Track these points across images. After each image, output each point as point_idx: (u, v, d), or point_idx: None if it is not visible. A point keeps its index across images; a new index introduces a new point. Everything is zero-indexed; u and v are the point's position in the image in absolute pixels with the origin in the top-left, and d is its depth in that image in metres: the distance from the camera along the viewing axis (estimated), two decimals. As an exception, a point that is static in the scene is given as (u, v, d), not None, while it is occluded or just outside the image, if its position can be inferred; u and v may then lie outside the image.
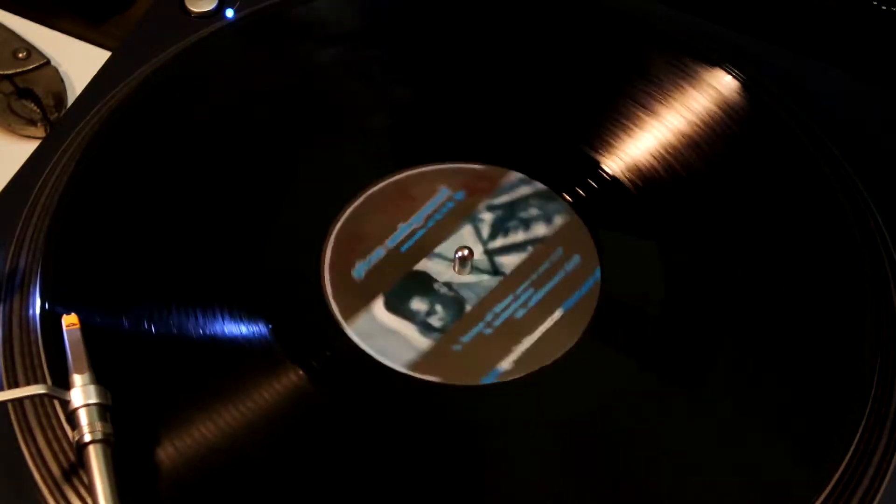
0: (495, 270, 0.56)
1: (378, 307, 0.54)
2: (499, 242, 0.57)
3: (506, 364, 0.53)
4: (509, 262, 0.56)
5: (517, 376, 0.52)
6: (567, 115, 0.61)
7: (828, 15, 0.67)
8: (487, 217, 0.57)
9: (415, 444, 0.50)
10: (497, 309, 0.54)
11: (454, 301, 0.55)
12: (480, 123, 0.61)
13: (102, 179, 0.56)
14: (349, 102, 0.61)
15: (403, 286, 0.55)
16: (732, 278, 0.55)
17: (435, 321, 0.54)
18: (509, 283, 0.55)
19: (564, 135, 0.60)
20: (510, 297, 0.55)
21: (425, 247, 0.56)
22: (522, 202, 0.58)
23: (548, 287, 0.55)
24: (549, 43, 0.64)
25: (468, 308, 0.54)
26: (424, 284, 0.55)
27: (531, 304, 0.55)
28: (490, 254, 0.56)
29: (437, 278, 0.55)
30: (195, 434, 0.49)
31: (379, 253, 0.56)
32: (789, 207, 0.58)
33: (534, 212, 0.57)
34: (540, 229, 0.57)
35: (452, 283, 0.55)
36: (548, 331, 0.54)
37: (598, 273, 0.55)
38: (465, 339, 0.53)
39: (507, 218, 0.57)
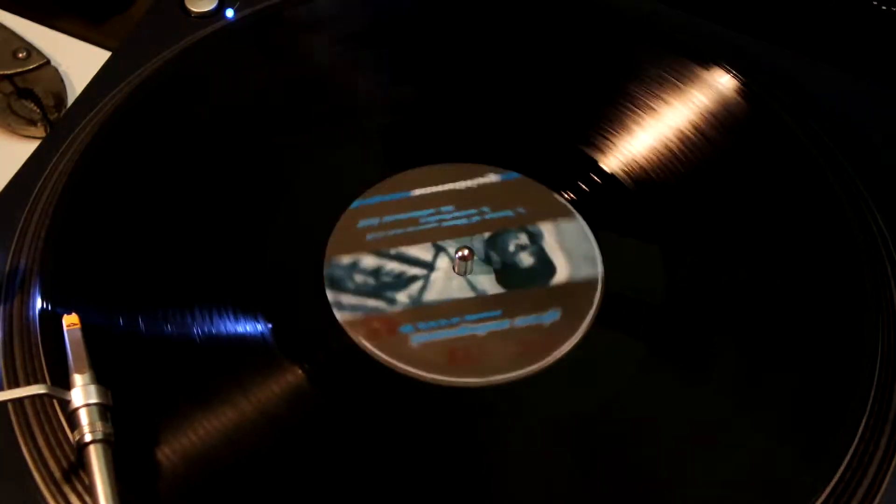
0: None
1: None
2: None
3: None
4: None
5: (517, 376, 0.52)
6: (567, 114, 0.61)
7: (828, 15, 0.67)
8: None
9: (414, 443, 0.50)
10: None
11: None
12: (480, 123, 0.61)
13: (102, 179, 0.56)
14: (349, 102, 0.61)
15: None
16: (732, 278, 0.55)
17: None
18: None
19: (564, 134, 0.60)
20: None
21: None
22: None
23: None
24: (549, 43, 0.64)
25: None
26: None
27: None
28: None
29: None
30: (195, 434, 0.49)
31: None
32: (789, 207, 0.58)
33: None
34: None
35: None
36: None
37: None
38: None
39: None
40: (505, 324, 0.54)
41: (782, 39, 0.65)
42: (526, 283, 0.56)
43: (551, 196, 0.58)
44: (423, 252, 0.56)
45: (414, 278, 0.55)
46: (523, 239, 0.57)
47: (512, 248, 0.57)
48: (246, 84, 0.61)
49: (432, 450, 0.50)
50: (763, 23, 0.67)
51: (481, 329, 0.54)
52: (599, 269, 0.56)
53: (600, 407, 0.51)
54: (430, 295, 0.55)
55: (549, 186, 0.58)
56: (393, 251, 0.56)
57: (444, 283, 0.55)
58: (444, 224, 0.57)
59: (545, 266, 0.56)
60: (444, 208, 0.57)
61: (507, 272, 0.56)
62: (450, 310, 0.54)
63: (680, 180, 0.58)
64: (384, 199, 0.57)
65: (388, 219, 0.57)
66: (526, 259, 0.56)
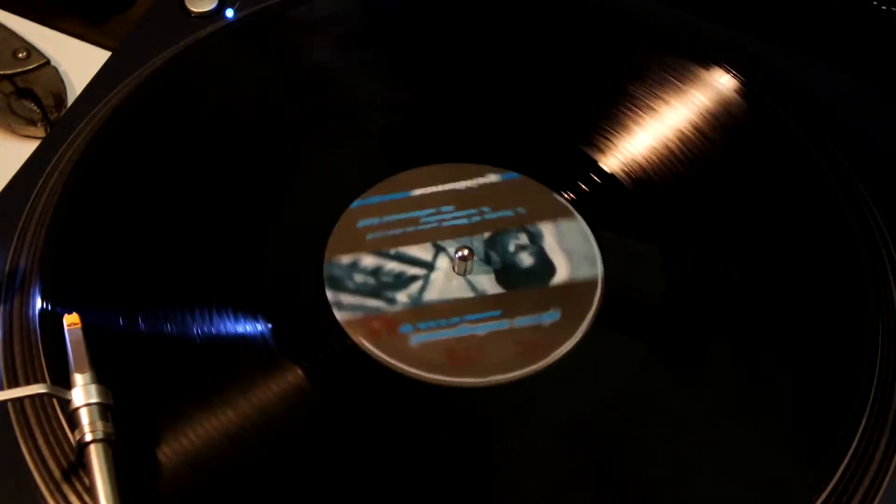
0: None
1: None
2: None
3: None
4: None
5: (516, 376, 0.52)
6: (566, 114, 0.61)
7: (828, 15, 0.67)
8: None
9: (414, 444, 0.50)
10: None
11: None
12: (480, 123, 0.61)
13: (102, 179, 0.56)
14: (349, 102, 0.61)
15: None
16: (732, 278, 0.55)
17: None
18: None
19: (564, 134, 0.60)
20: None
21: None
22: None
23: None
24: (549, 43, 0.64)
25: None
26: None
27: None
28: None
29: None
30: (196, 433, 0.49)
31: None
32: (789, 207, 0.58)
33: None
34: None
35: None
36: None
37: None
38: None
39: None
40: (504, 324, 0.54)
41: (782, 39, 0.65)
42: (526, 283, 0.55)
43: (551, 196, 0.58)
44: (423, 252, 0.56)
45: (414, 278, 0.55)
46: (523, 239, 0.57)
47: (512, 248, 0.57)
48: (246, 84, 0.61)
49: (432, 450, 0.50)
50: (763, 23, 0.67)
51: (481, 329, 0.54)
52: (599, 270, 0.56)
53: (600, 407, 0.51)
54: (430, 295, 0.55)
55: (549, 186, 0.58)
56: (393, 251, 0.56)
57: (444, 282, 0.55)
58: (444, 224, 0.57)
59: (545, 266, 0.56)
60: (444, 208, 0.57)
61: (506, 272, 0.56)
62: (450, 310, 0.54)
63: (679, 180, 0.59)
64: (384, 198, 0.57)
65: (387, 218, 0.57)
66: (526, 259, 0.56)
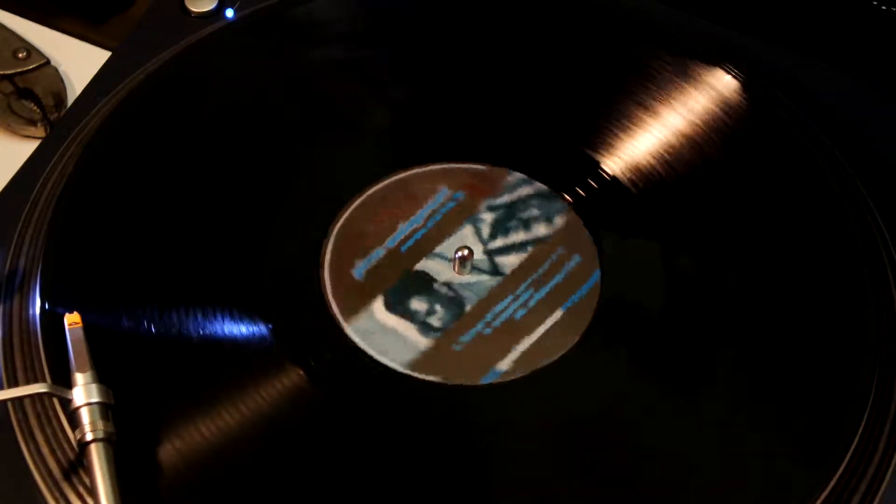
0: (495, 270, 0.56)
1: (378, 306, 0.54)
2: (499, 242, 0.57)
3: (505, 364, 0.53)
4: (509, 262, 0.56)
5: (517, 376, 0.52)
6: (567, 115, 0.61)
7: (828, 15, 0.67)
8: (488, 217, 0.57)
9: (415, 444, 0.50)
10: (496, 309, 0.54)
11: (454, 301, 0.55)
12: (480, 123, 0.61)
13: (102, 179, 0.56)
14: (349, 102, 0.61)
15: (403, 286, 0.55)
16: (732, 278, 0.55)
17: (434, 321, 0.54)
18: (509, 283, 0.55)
19: (564, 135, 0.60)
20: (510, 298, 0.55)
21: (425, 246, 0.56)
22: (523, 202, 0.58)
23: (548, 287, 0.55)
24: (550, 43, 0.64)
25: (468, 308, 0.54)
26: (424, 284, 0.55)
27: (531, 304, 0.55)
28: (490, 254, 0.56)
29: (437, 278, 0.55)
30: (196, 433, 0.49)
31: (379, 252, 0.56)
32: (789, 207, 0.58)
33: (534, 212, 0.57)
34: (540, 229, 0.57)
35: (452, 283, 0.55)
36: (547, 331, 0.54)
37: (597, 273, 0.55)
38: (465, 338, 0.53)
39: (507, 218, 0.57)
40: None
41: (782, 39, 0.65)
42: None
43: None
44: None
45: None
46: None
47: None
48: (246, 84, 0.61)
49: (433, 450, 0.50)
50: (763, 23, 0.67)
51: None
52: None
53: (600, 407, 0.51)
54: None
55: (550, 187, 0.58)
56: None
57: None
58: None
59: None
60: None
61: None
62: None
63: (679, 181, 0.59)
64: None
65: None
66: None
